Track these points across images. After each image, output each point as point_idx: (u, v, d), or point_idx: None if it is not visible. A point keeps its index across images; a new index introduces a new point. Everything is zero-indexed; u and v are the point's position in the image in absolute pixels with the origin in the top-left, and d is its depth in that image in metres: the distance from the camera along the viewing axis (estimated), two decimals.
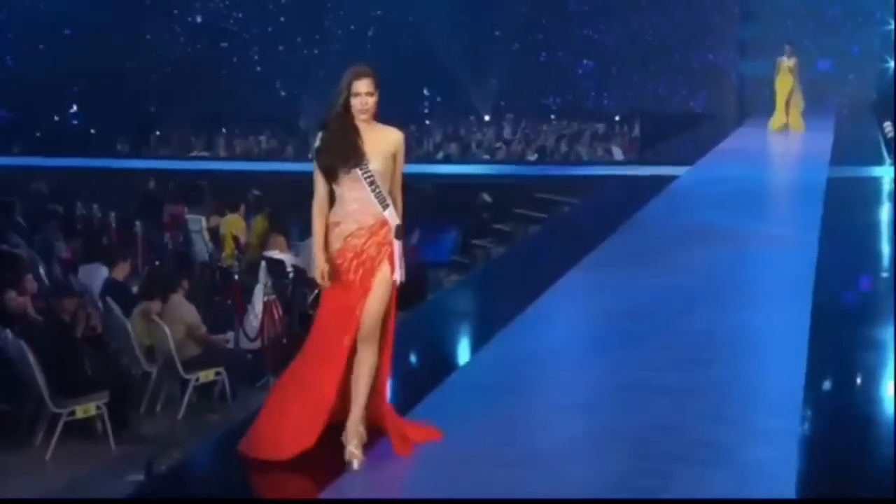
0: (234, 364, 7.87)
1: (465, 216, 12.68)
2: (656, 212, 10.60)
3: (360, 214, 4.18)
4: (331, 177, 4.17)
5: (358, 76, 4.14)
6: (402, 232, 4.28)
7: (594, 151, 18.15)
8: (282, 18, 25.99)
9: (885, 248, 9.03)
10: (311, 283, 9.36)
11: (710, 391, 5.20)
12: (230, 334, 8.49)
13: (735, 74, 25.48)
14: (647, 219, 10.20)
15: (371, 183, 4.15)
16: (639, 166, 15.40)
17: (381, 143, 4.20)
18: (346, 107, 4.15)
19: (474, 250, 11.63)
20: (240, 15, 25.92)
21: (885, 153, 15.22)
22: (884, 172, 13.31)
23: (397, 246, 4.24)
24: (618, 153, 17.70)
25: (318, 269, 4.22)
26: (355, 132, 4.16)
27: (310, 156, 4.27)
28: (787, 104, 16.78)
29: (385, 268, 4.20)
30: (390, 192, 4.25)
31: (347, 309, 4.19)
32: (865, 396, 5.44)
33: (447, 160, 17.55)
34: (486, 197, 12.83)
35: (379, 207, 4.19)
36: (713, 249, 8.43)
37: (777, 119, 17.04)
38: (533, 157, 17.63)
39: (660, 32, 25.29)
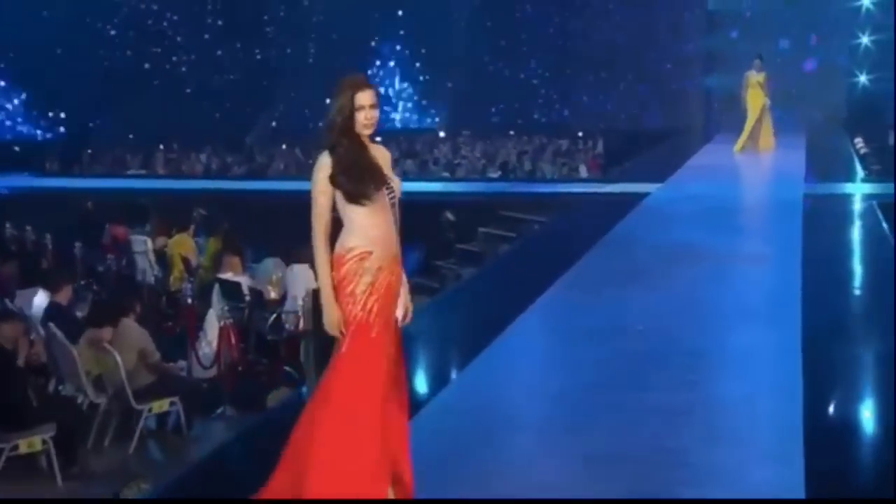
0: (189, 393, 7.75)
1: (428, 236, 12.62)
2: (631, 230, 10.73)
3: (387, 240, 3.86)
4: (359, 201, 3.80)
5: (360, 87, 3.86)
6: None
7: (558, 168, 18.31)
8: (220, 22, 25.74)
9: (868, 265, 9.26)
10: (269, 306, 9.31)
11: (705, 412, 5.27)
12: (182, 363, 8.40)
13: (701, 89, 25.92)
14: (621, 237, 10.33)
15: (394, 205, 3.88)
16: (605, 184, 15.60)
17: (385, 161, 3.96)
18: (351, 122, 3.86)
19: (441, 271, 11.60)
20: (175, 18, 25.55)
21: (858, 168, 15.63)
22: (857, 189, 13.66)
23: (404, 279, 4.00)
24: (583, 170, 17.89)
25: (332, 317, 3.81)
26: (367, 150, 3.90)
27: (320, 181, 3.85)
28: (760, 121, 16.76)
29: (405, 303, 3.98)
30: None
31: (394, 355, 3.88)
32: (864, 416, 5.55)
33: (404, 177, 17.50)
34: (450, 215, 12.81)
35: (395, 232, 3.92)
36: (694, 268, 8.57)
37: (743, 139, 16.78)
38: (496, 174, 17.73)
39: (623, 46, 25.65)
